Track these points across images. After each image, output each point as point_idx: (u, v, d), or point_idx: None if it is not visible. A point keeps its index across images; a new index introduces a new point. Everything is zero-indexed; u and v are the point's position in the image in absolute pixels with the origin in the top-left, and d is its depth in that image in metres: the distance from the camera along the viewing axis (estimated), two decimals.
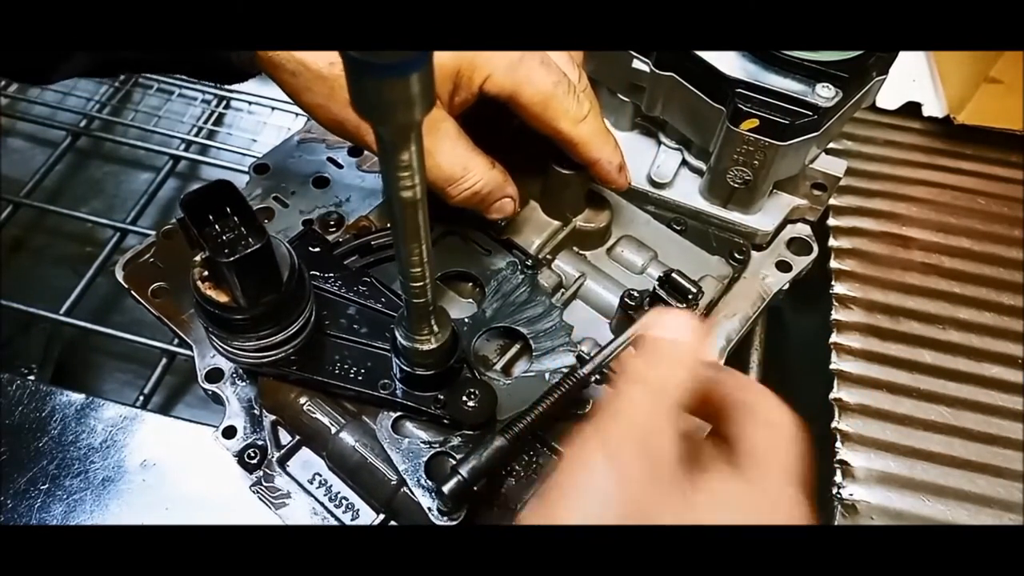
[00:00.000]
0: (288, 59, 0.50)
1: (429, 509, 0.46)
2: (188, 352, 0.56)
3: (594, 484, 0.33)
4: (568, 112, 0.52)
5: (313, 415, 0.50)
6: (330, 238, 0.59)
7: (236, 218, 0.43)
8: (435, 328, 0.45)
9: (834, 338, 0.65)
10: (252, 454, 0.51)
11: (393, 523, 0.50)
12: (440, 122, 0.51)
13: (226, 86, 1.05)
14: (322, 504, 0.50)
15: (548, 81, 0.51)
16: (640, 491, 0.32)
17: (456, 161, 0.52)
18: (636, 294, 0.54)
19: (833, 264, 0.70)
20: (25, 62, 0.49)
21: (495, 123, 0.55)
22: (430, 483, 0.46)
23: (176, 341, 0.64)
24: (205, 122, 1.04)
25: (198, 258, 0.45)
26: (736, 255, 0.63)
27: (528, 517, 0.34)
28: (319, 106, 0.51)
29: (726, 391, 0.40)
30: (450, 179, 0.52)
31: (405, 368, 0.47)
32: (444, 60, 0.50)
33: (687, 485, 0.33)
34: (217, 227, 0.43)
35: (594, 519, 0.32)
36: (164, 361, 0.74)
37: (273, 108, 1.04)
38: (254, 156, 0.74)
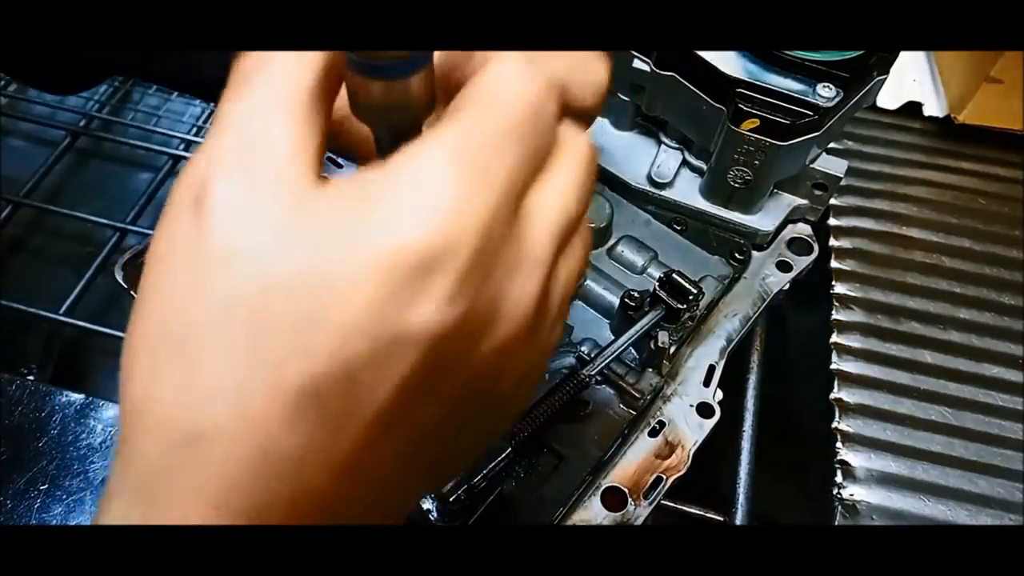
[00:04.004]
0: None
1: (428, 511, 0.46)
2: None
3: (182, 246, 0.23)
4: (587, 84, 0.54)
5: None
6: None
7: None
8: None
9: (834, 338, 0.65)
10: None
11: None
12: None
13: None
14: None
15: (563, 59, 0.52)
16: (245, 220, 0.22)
17: None
18: (636, 294, 0.54)
19: (834, 264, 0.70)
20: (61, 75, 0.49)
21: None
22: None
23: None
24: (205, 122, 1.03)
25: None
26: (736, 255, 0.63)
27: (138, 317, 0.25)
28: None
29: (461, 72, 0.28)
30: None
31: None
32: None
33: (310, 199, 0.23)
34: None
35: (198, 300, 0.22)
36: None
37: None
38: None
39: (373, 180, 0.23)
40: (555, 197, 0.27)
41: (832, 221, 0.73)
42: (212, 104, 1.05)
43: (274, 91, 0.25)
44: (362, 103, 0.26)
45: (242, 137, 0.24)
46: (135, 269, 0.58)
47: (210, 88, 0.53)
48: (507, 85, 0.25)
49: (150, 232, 0.61)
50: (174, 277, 0.23)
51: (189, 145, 0.98)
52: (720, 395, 0.57)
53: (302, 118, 0.25)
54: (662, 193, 0.65)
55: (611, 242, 0.63)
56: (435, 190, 0.22)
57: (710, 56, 0.56)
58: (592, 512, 0.51)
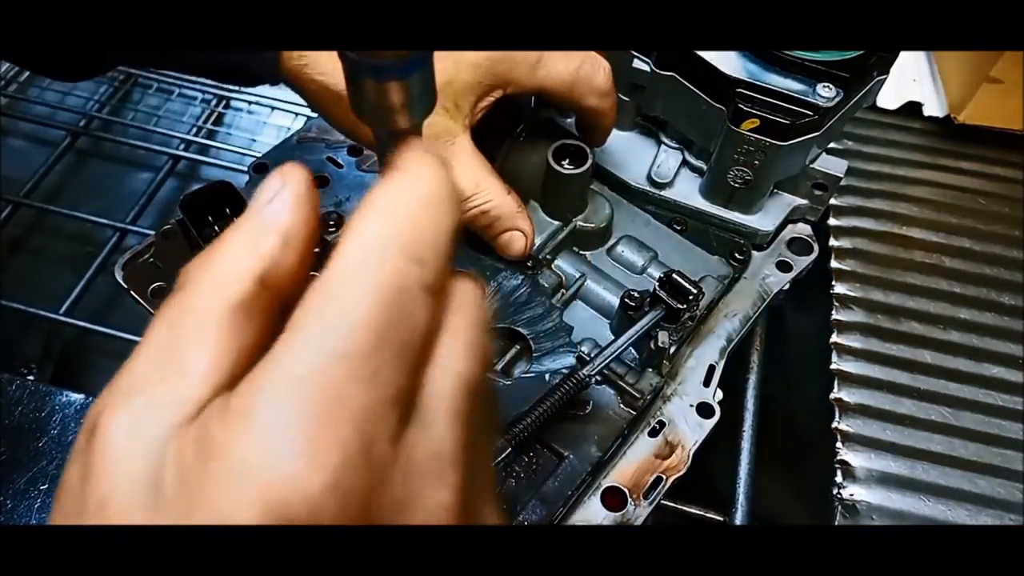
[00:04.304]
0: (309, 79, 0.50)
1: None
2: None
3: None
4: (594, 89, 0.54)
5: None
6: (330, 238, 0.59)
7: (236, 218, 0.43)
8: None
9: (834, 338, 0.65)
10: None
11: None
12: (457, 135, 0.52)
13: (228, 86, 1.05)
14: None
15: (571, 67, 0.53)
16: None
17: (468, 176, 0.53)
18: (636, 294, 0.54)
19: (834, 264, 0.70)
20: (67, 62, 0.49)
21: (494, 125, 0.55)
22: None
23: None
24: (205, 122, 1.03)
25: None
26: (736, 255, 0.63)
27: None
28: (339, 118, 0.51)
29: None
30: (460, 194, 0.52)
31: None
32: (466, 76, 0.51)
33: (172, 450, 0.21)
34: (217, 228, 0.43)
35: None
36: None
37: (273, 108, 1.04)
38: (254, 156, 0.74)
39: (217, 433, 0.21)
40: (450, 378, 0.24)
41: (832, 221, 0.73)
42: (218, 92, 1.05)
43: (189, 313, 0.24)
44: (362, 103, 0.26)
45: (144, 365, 0.23)
46: (135, 269, 0.58)
47: (222, 71, 0.53)
48: (354, 282, 0.22)
49: (150, 232, 0.61)
50: (64, 517, 0.23)
51: (189, 145, 0.98)
52: (720, 395, 0.57)
53: (215, 341, 0.23)
54: (662, 193, 0.65)
55: (611, 242, 0.63)
56: (280, 443, 0.20)
57: (710, 56, 0.56)
58: (592, 512, 0.51)
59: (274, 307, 0.25)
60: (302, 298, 0.23)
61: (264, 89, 1.04)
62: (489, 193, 0.53)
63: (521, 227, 0.55)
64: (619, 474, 0.52)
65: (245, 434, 0.20)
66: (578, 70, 0.53)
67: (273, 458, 0.20)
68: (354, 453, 0.21)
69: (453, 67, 0.50)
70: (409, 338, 0.23)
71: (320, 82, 0.50)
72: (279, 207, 0.25)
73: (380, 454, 0.21)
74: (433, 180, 0.24)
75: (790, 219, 0.66)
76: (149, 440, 0.22)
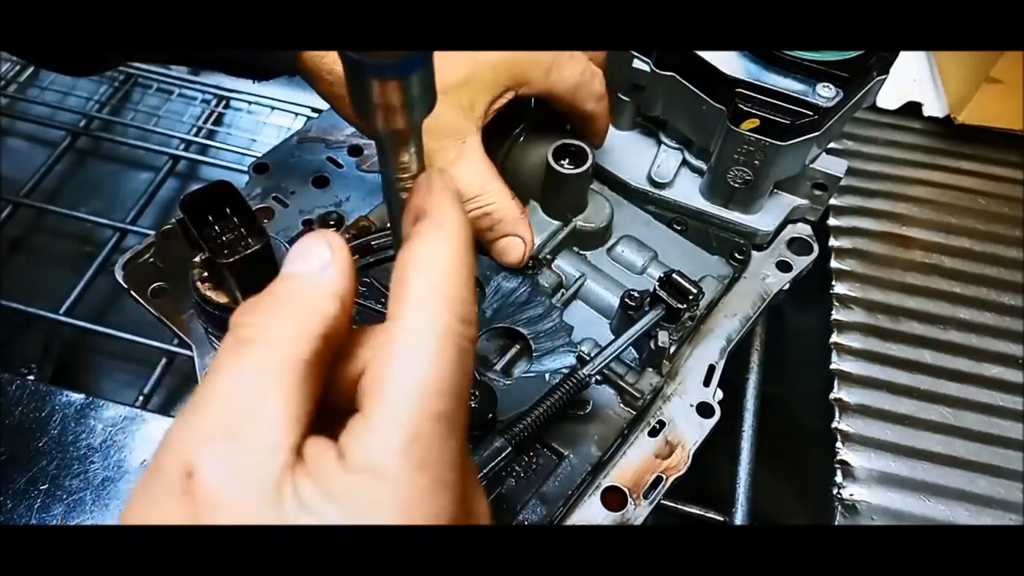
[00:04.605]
0: (327, 70, 0.50)
1: None
2: (188, 352, 0.56)
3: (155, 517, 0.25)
4: (592, 94, 0.56)
5: None
6: None
7: (236, 219, 0.43)
8: None
9: (834, 338, 0.65)
10: None
11: None
12: (468, 135, 0.52)
13: (228, 86, 1.05)
14: None
15: (576, 72, 0.54)
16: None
17: (474, 177, 0.53)
18: (636, 294, 0.54)
19: (833, 264, 0.70)
20: (75, 58, 0.49)
21: (494, 124, 0.55)
22: None
23: (176, 341, 0.64)
24: (205, 122, 1.03)
25: (198, 259, 0.45)
26: (736, 255, 0.63)
27: None
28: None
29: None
30: (463, 194, 0.52)
31: None
32: (485, 75, 0.51)
33: (288, 492, 0.25)
34: (217, 228, 0.43)
35: None
36: (164, 361, 0.74)
37: (273, 108, 1.04)
38: (254, 156, 0.74)
39: (335, 484, 0.25)
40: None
41: (832, 221, 0.73)
42: (226, 87, 1.05)
43: (267, 366, 0.26)
44: (362, 102, 0.26)
45: (230, 413, 0.26)
46: (135, 269, 0.58)
47: (236, 64, 0.53)
48: (428, 349, 0.26)
49: (150, 232, 0.61)
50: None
51: (189, 145, 0.98)
52: (720, 395, 0.57)
53: (292, 393, 0.26)
54: (662, 193, 0.65)
55: (611, 242, 0.63)
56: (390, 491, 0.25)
57: (710, 56, 0.56)
58: (592, 511, 0.51)
59: (330, 358, 0.28)
60: (382, 361, 0.26)
61: (264, 89, 1.04)
62: (493, 196, 0.53)
63: (521, 234, 0.55)
64: (619, 474, 0.52)
65: (377, 487, 0.25)
66: (581, 75, 0.54)
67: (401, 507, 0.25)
68: (456, 494, 0.26)
69: (472, 65, 0.50)
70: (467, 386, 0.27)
71: (338, 73, 0.50)
72: (336, 275, 0.28)
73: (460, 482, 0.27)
74: (465, 234, 0.28)
75: (790, 219, 0.66)
76: (257, 483, 0.25)
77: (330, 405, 0.29)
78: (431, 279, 0.27)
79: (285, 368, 0.26)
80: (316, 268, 0.28)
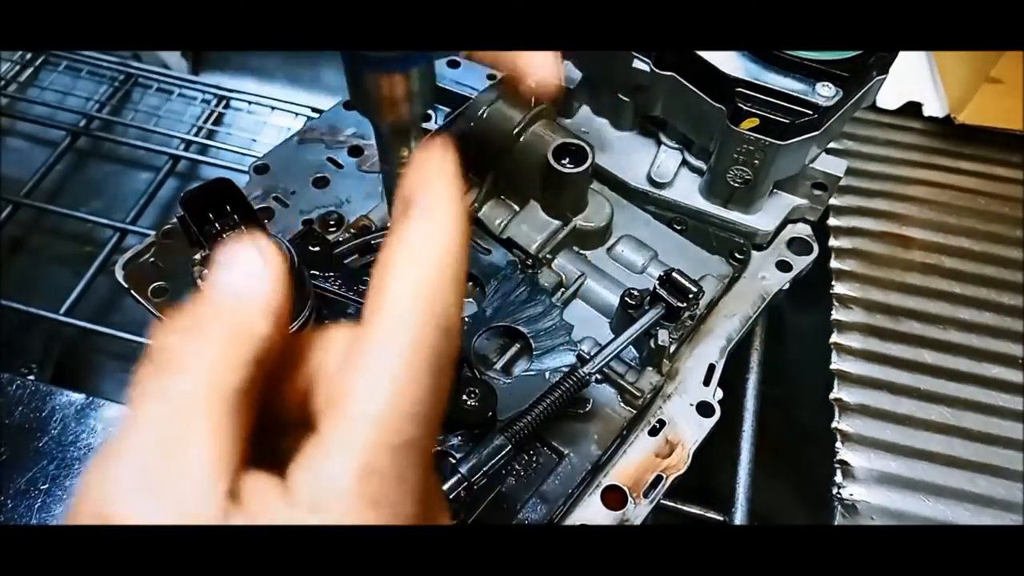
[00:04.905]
0: None
1: None
2: None
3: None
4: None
5: None
6: (330, 238, 0.59)
7: (236, 216, 0.43)
8: None
9: (834, 338, 0.65)
10: None
11: None
12: None
13: (228, 86, 1.05)
14: None
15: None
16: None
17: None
18: (636, 293, 0.54)
19: (833, 264, 0.70)
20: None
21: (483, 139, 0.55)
22: None
23: None
24: (205, 122, 1.03)
25: (198, 257, 0.45)
26: (736, 255, 0.63)
27: None
28: None
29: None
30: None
31: None
32: None
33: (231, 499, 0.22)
34: (217, 225, 0.43)
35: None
36: None
37: (273, 108, 1.04)
38: (254, 156, 0.74)
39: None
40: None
41: (832, 221, 0.73)
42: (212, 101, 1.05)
43: (189, 400, 0.23)
44: (363, 96, 0.26)
45: (149, 460, 0.22)
46: (135, 269, 0.58)
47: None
48: (399, 361, 0.24)
49: (150, 232, 0.61)
50: None
51: (189, 145, 0.98)
52: (720, 394, 0.57)
53: (221, 429, 0.23)
54: (662, 193, 0.65)
55: (611, 241, 0.63)
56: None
57: (710, 56, 0.56)
58: (592, 510, 0.51)
59: (264, 381, 0.25)
60: (346, 376, 0.23)
61: (264, 89, 1.04)
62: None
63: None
64: (619, 473, 0.52)
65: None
66: None
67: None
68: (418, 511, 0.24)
69: None
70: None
71: None
72: (268, 289, 0.25)
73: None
74: (458, 224, 0.25)
75: (790, 219, 0.66)
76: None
77: (275, 417, 0.26)
78: (413, 282, 0.24)
79: (211, 401, 0.23)
80: (245, 280, 0.25)
